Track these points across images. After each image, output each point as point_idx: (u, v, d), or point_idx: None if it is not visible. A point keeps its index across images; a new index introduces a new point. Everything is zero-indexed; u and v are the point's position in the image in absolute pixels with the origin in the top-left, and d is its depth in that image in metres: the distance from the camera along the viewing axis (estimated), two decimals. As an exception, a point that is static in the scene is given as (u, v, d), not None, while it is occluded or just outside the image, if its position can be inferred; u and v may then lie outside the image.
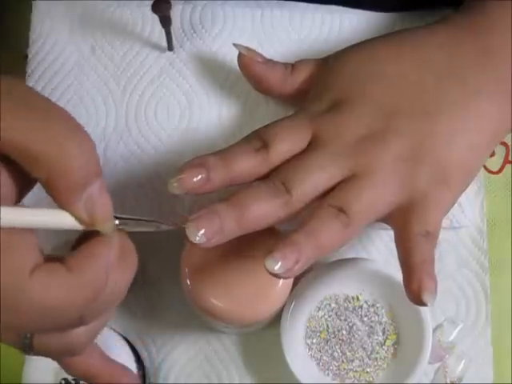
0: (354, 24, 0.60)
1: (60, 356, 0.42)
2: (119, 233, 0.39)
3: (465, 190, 0.51)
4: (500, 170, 0.58)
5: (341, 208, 0.46)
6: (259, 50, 0.59)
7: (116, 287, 0.39)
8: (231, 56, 0.59)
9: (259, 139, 0.49)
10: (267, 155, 0.48)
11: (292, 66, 0.55)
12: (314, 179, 0.47)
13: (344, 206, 0.46)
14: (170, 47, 0.58)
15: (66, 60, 0.59)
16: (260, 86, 0.56)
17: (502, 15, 0.51)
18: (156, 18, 0.59)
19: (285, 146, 0.48)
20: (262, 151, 0.48)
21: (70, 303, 0.36)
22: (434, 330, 0.56)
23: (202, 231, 0.44)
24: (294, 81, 0.54)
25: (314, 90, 0.53)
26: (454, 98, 0.50)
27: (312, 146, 0.49)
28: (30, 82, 0.59)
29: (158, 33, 0.59)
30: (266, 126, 0.50)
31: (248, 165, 0.47)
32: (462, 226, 0.57)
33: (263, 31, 0.60)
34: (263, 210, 0.46)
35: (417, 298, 0.46)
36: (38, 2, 0.60)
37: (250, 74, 0.55)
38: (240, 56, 0.55)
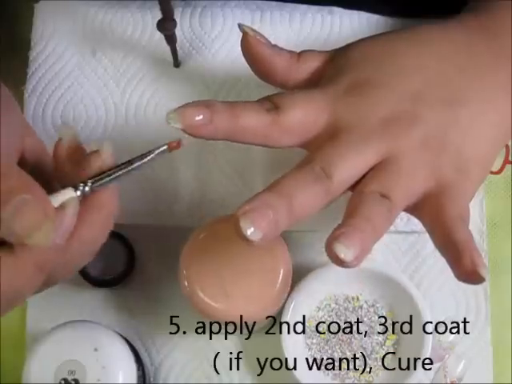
0: (354, 25, 0.60)
1: None
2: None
3: (482, 183, 0.50)
4: (500, 170, 0.58)
5: (383, 194, 0.45)
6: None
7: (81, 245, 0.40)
8: (230, 58, 0.59)
9: (271, 101, 0.46)
10: (278, 117, 0.45)
11: (298, 55, 0.51)
12: (351, 164, 0.45)
13: (386, 192, 0.45)
14: (176, 64, 0.59)
15: (66, 62, 0.60)
16: (263, 71, 0.50)
17: (508, 16, 0.51)
18: (157, 19, 0.59)
19: (297, 113, 0.46)
20: (273, 113, 0.45)
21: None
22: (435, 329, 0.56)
23: (256, 224, 0.41)
24: (299, 69, 0.50)
25: (325, 77, 0.50)
26: (475, 90, 0.49)
27: (338, 130, 0.46)
28: (31, 83, 0.59)
29: (158, 35, 0.59)
30: (279, 93, 0.47)
31: (255, 122, 0.45)
32: None
33: (263, 33, 0.60)
34: (309, 198, 0.43)
35: (471, 273, 0.43)
36: (39, 4, 0.60)
37: (253, 56, 0.50)
38: (245, 36, 0.49)
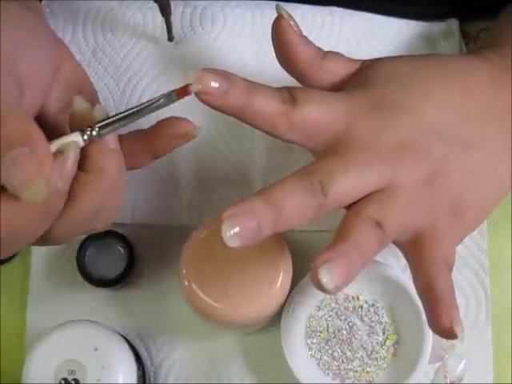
0: (354, 26, 0.61)
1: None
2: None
3: (473, 231, 0.50)
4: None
5: (378, 221, 0.45)
6: (259, 52, 0.60)
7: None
8: (231, 58, 0.59)
9: (290, 93, 0.45)
10: (291, 110, 0.45)
11: (324, 53, 0.49)
12: (352, 184, 0.44)
13: (381, 220, 0.45)
14: (170, 37, 0.58)
15: (67, 62, 0.60)
16: (286, 58, 0.49)
17: None
18: (157, 19, 0.59)
19: (312, 111, 0.45)
20: (288, 105, 0.45)
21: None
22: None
23: (237, 229, 0.40)
24: (322, 67, 0.49)
25: (351, 84, 0.49)
26: (492, 137, 0.48)
27: (349, 144, 0.45)
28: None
29: (158, 35, 0.60)
30: (302, 87, 0.47)
31: (268, 108, 0.44)
32: None
33: (263, 33, 0.60)
34: (299, 211, 0.43)
35: (447, 331, 0.44)
36: (41, 5, 0.60)
37: (281, 41, 0.48)
38: (278, 19, 0.48)
